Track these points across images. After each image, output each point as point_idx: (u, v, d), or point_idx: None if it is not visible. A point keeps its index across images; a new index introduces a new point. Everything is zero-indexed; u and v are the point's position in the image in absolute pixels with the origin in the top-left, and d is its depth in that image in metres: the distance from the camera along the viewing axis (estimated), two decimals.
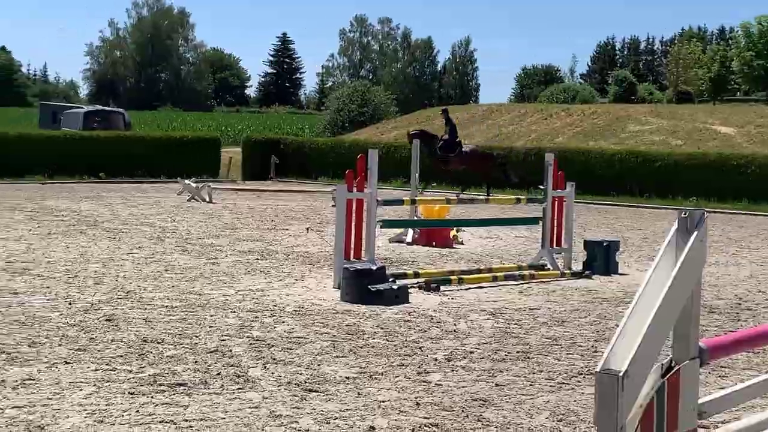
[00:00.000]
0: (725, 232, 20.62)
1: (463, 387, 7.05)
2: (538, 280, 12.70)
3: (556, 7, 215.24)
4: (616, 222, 22.85)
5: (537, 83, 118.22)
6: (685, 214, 4.13)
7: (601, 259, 13.71)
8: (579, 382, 7.37)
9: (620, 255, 14.23)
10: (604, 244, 13.99)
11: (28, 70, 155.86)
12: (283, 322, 9.25)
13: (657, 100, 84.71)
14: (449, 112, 30.09)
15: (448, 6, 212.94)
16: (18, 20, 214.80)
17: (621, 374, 3.82)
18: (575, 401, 6.82)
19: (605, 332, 9.22)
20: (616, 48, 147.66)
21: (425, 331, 9.08)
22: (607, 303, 11.05)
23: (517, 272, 13.05)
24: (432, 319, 9.69)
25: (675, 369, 4.05)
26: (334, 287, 11.12)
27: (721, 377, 7.42)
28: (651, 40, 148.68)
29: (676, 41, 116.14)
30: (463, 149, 27.89)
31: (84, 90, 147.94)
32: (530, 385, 7.23)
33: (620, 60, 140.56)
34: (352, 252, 11.56)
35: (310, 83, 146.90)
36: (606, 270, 13.56)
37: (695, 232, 4.13)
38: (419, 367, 7.59)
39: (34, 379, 6.85)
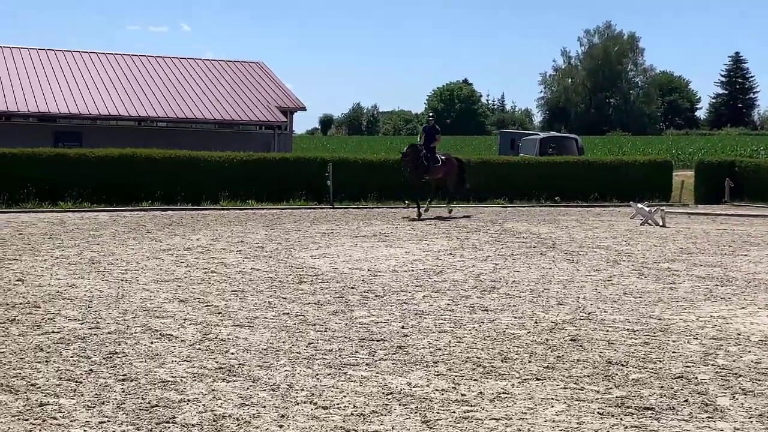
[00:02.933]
0: None
1: None
2: None
3: None
4: None
5: None
6: None
7: None
8: None
9: None
10: None
11: (487, 100, 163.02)
12: (749, 351, 8.88)
13: None
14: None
15: None
16: (482, 56, 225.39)
17: None
18: None
19: None
20: None
21: None
22: None
23: None
24: None
25: None
26: None
27: None
28: None
29: None
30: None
31: (537, 117, 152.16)
32: None
33: None
34: None
35: (764, 103, 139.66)
36: None
37: None
38: None
39: (508, 393, 7.10)
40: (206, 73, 44.69)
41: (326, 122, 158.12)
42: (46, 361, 7.82)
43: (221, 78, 44.17)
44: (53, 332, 9.04)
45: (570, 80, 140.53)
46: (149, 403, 6.62)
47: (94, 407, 6.50)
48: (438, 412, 6.54)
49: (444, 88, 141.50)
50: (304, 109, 44.44)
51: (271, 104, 42.22)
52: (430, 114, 31.58)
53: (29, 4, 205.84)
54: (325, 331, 9.37)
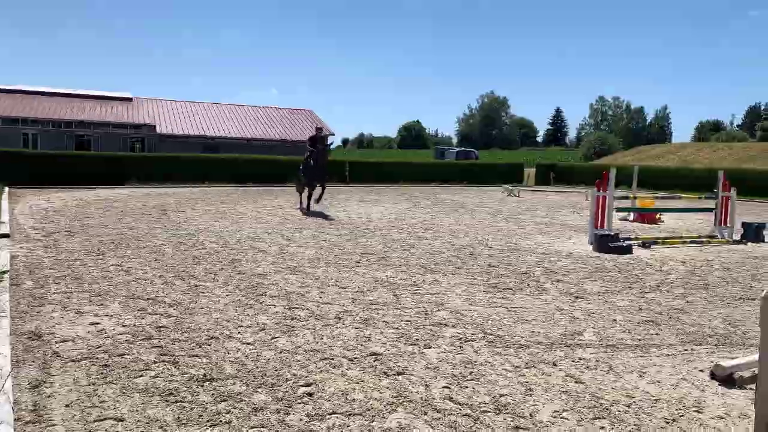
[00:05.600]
0: None
1: (666, 302, 6.48)
2: (712, 245, 11.28)
3: (719, 89, 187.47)
4: (762, 212, 19.69)
5: (708, 130, 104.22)
6: None
7: (753, 233, 11.94)
8: (740, 303, 6.50)
9: (766, 231, 12.28)
10: (756, 224, 12.16)
11: (429, 130, 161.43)
12: (560, 260, 8.99)
13: None
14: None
15: (658, 86, 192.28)
16: (427, 105, 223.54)
17: None
18: (740, 314, 6.03)
19: (758, 276, 8.04)
20: (761, 108, 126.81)
21: (642, 269, 8.41)
22: (757, 259, 9.61)
23: (698, 239, 11.69)
24: (646, 263, 8.97)
25: None
26: (588, 243, 10.62)
27: None
28: None
29: None
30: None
31: (455, 139, 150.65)
32: (709, 303, 6.49)
33: (764, 115, 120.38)
34: (599, 224, 10.94)
35: (572, 133, 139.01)
36: (756, 240, 11.78)
37: None
38: (640, 289, 7.07)
39: (438, 281, 7.10)
40: (284, 114, 44.39)
41: (345, 141, 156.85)
42: (198, 263, 7.84)
43: (291, 117, 43.96)
44: (202, 248, 9.05)
45: (471, 120, 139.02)
46: (252, 284, 6.67)
47: (224, 287, 6.54)
48: (401, 290, 6.60)
49: (407, 124, 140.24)
50: (333, 134, 44.22)
51: None
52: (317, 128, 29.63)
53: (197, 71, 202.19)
54: (343, 249, 9.41)
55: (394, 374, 4.09)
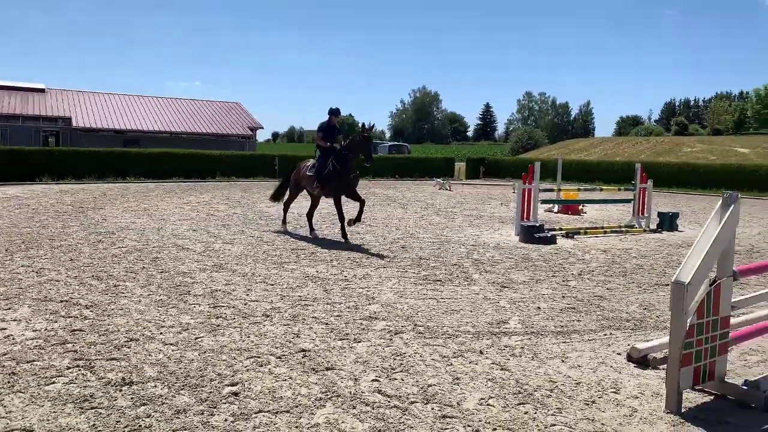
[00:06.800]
0: (744, 210, 18.47)
1: (587, 289, 6.80)
2: (631, 234, 11.92)
3: (638, 85, 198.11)
4: (675, 202, 20.98)
5: (628, 125, 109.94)
6: (726, 195, 3.85)
7: (668, 222, 12.72)
8: (656, 289, 6.92)
9: (679, 220, 13.10)
10: (670, 214, 12.96)
11: (361, 124, 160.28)
12: (489, 252, 9.24)
13: (700, 134, 78.02)
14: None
15: (582, 83, 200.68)
16: (360, 101, 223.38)
17: (687, 283, 3.61)
18: (654, 299, 6.41)
19: (671, 262, 8.57)
20: (676, 104, 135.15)
21: (566, 258, 8.79)
22: (671, 247, 10.23)
23: (618, 228, 12.33)
24: (569, 252, 9.37)
25: (717, 282, 3.77)
26: (515, 235, 10.97)
27: (742, 288, 6.72)
28: (696, 99, 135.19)
29: (713, 99, 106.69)
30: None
31: (388, 133, 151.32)
32: (627, 289, 6.86)
33: (678, 111, 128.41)
34: (525, 216, 11.32)
35: (501, 128, 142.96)
36: (670, 228, 12.56)
37: (732, 206, 3.84)
38: (563, 278, 7.38)
39: (369, 275, 7.18)
40: (209, 107, 43.15)
41: (275, 135, 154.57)
42: (118, 263, 7.52)
43: (218, 110, 42.79)
44: (122, 247, 8.69)
45: (404, 115, 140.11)
46: (176, 283, 6.47)
47: (145, 286, 6.31)
48: (332, 285, 6.59)
49: (340, 118, 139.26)
50: (262, 128, 43.54)
51: (244, 125, 41.33)
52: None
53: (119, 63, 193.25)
54: (273, 245, 9.28)
55: (323, 369, 4.08)
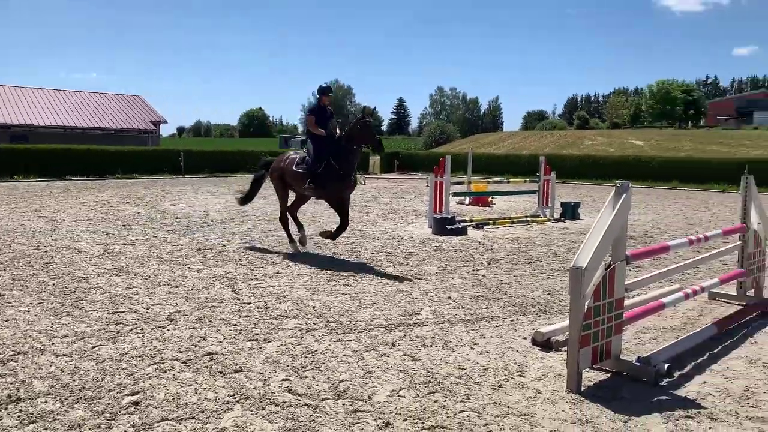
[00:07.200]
0: (639, 198, 19.88)
1: (496, 277, 7.04)
2: (536, 223, 12.49)
3: (545, 75, 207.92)
4: (577, 192, 22.22)
5: (534, 119, 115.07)
6: (619, 184, 4.09)
7: (570, 212, 13.44)
8: (559, 275, 7.28)
9: (580, 209, 13.88)
10: (572, 203, 13.69)
11: (273, 118, 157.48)
12: (402, 245, 9.36)
13: (600, 127, 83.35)
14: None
15: (492, 80, 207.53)
16: (273, 93, 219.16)
17: (584, 268, 3.81)
18: (558, 284, 6.74)
19: (573, 249, 9.05)
20: (578, 99, 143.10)
21: (476, 248, 9.07)
22: (574, 235, 10.82)
23: (524, 218, 12.88)
24: (479, 242, 9.67)
25: (612, 266, 4.01)
26: (428, 227, 11.18)
27: (636, 271, 7.22)
28: (597, 94, 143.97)
29: (611, 95, 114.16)
30: None
31: (300, 128, 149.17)
32: (533, 276, 7.18)
33: (580, 106, 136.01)
34: (437, 208, 11.58)
35: (414, 122, 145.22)
36: (573, 217, 13.28)
37: (624, 194, 4.09)
38: (473, 267, 7.61)
39: (280, 273, 7.07)
40: (107, 101, 40.80)
41: (180, 130, 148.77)
42: (4, 270, 6.96)
43: (117, 104, 40.54)
44: (9, 252, 8.05)
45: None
46: (70, 290, 6.08)
47: (35, 294, 5.88)
48: (241, 285, 6.44)
49: (249, 112, 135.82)
50: (165, 122, 41.71)
51: (146, 119, 39.45)
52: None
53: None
54: (177, 245, 8.94)
55: (231, 372, 3.98)
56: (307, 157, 8.17)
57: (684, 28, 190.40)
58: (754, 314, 5.70)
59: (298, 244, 8.50)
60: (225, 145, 54.01)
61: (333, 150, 7.85)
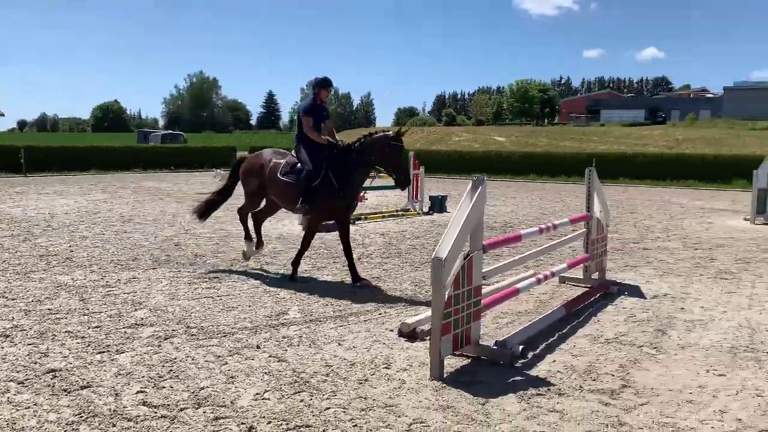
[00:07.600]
0: (501, 191, 21.13)
1: (366, 271, 7.13)
2: (406, 217, 12.85)
3: (416, 76, 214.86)
4: (445, 186, 23.14)
5: (406, 116, 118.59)
6: (475, 177, 4.31)
7: (438, 205, 13.98)
8: (426, 266, 7.52)
9: (448, 202, 14.46)
10: (440, 197, 14.25)
11: (131, 112, 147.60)
12: (271, 243, 9.18)
13: (466, 124, 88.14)
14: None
15: (368, 76, 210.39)
16: (130, 84, 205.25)
17: (444, 258, 3.96)
18: (424, 276, 6.96)
19: (440, 240, 9.41)
20: (446, 97, 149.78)
21: None
22: (441, 227, 11.25)
23: (395, 213, 13.20)
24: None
25: (470, 255, 4.21)
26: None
27: (494, 259, 7.65)
28: (463, 92, 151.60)
29: (476, 93, 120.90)
30: None
31: (162, 121, 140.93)
32: (401, 269, 7.37)
33: (448, 103, 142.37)
34: None
35: (285, 116, 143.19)
36: (440, 210, 13.82)
37: (480, 187, 4.30)
38: (343, 263, 7.61)
39: (136, 278, 6.65)
40: None
41: (22, 124, 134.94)
42: None
43: None
44: None
45: (180, 102, 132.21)
46: None
47: None
48: (91, 293, 5.96)
49: (103, 105, 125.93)
50: (2, 115, 37.67)
51: None
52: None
53: None
54: (16, 252, 8.07)
55: (77, 389, 3.66)
56: (299, 166, 6.62)
57: (540, 31, 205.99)
58: (598, 295, 6.29)
59: (246, 249, 7.35)
60: (75, 141, 49.75)
61: (334, 162, 6.43)
